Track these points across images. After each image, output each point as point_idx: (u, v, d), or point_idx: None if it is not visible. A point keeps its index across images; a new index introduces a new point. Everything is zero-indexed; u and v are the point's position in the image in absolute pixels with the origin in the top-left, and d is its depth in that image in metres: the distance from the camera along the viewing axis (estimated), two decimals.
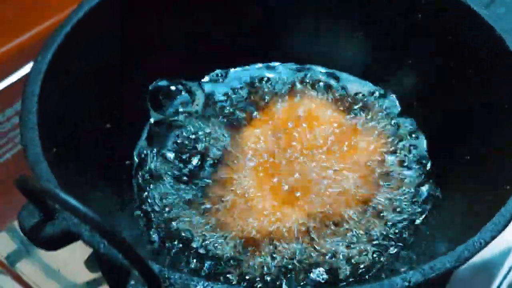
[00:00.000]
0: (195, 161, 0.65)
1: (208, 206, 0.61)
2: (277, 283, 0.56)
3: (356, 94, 0.72)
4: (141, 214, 0.61)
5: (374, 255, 0.57)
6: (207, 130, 0.68)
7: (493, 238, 0.44)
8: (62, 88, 0.55)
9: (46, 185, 0.36)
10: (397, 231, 0.59)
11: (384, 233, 0.59)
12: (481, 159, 0.57)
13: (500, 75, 0.56)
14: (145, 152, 0.66)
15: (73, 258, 0.63)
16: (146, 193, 0.63)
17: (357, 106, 0.71)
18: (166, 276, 0.39)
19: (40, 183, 0.37)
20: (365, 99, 0.71)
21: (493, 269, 0.67)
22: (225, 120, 0.69)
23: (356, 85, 0.73)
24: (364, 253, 0.58)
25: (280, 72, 0.75)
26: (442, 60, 0.65)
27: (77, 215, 0.35)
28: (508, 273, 0.67)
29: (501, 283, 0.67)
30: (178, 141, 0.67)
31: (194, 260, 0.57)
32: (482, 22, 0.58)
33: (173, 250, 0.58)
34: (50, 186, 0.36)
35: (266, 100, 0.71)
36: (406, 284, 0.40)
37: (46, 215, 0.42)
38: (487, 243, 0.44)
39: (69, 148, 0.53)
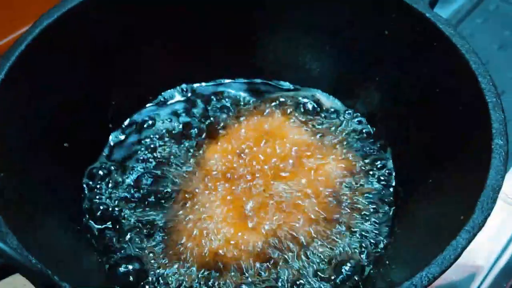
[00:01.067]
0: (152, 185, 0.64)
1: (163, 233, 0.60)
2: None
3: (322, 110, 0.71)
4: (93, 242, 0.60)
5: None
6: (167, 151, 0.67)
7: (442, 272, 0.43)
8: (12, 110, 0.54)
9: None
10: (351, 260, 0.58)
11: (340, 261, 0.58)
12: (444, 182, 0.56)
13: (465, 100, 0.56)
14: (100, 174, 0.65)
15: None
16: (101, 219, 0.62)
17: (323, 122, 0.70)
18: None
19: None
20: (332, 115, 0.71)
21: None
22: (186, 138, 0.68)
23: (323, 101, 0.73)
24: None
25: (244, 88, 0.74)
26: (409, 78, 0.63)
27: (3, 258, 0.34)
28: None
29: None
30: (137, 163, 0.66)
31: None
32: (447, 41, 0.57)
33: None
34: None
35: (229, 118, 0.70)
36: None
37: None
38: (435, 278, 0.43)
39: (21, 171, 0.52)
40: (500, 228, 0.70)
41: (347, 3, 0.65)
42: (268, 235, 0.59)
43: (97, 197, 0.63)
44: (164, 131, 0.69)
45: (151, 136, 0.69)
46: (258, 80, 0.75)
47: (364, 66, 0.68)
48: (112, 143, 0.68)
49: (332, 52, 0.70)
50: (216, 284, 0.57)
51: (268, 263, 0.58)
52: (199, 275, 0.57)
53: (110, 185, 0.64)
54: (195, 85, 0.74)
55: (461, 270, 0.67)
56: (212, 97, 0.73)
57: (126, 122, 0.70)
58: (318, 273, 0.58)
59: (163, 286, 0.57)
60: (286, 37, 0.71)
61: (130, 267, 0.57)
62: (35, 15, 0.58)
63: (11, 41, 0.83)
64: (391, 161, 0.66)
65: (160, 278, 0.57)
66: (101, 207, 0.62)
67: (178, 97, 0.73)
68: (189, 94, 0.73)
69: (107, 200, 0.63)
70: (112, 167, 0.66)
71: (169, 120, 0.70)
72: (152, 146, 0.67)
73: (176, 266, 0.58)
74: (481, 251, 0.68)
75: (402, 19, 0.61)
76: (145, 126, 0.70)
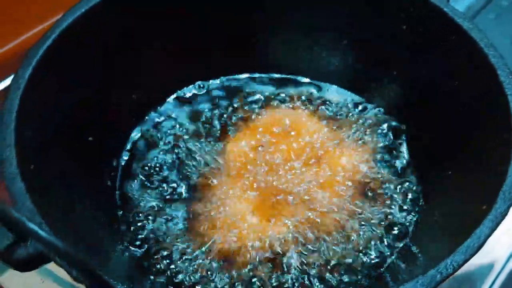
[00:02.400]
0: (177, 179, 0.65)
1: (191, 225, 0.61)
2: None
3: (340, 105, 0.72)
4: (125, 231, 0.61)
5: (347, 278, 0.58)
6: (189, 145, 0.67)
7: (465, 261, 0.44)
8: (43, 104, 0.55)
9: (10, 212, 0.36)
10: (374, 250, 0.59)
11: (363, 252, 0.59)
12: (462, 175, 0.57)
13: (483, 91, 0.56)
14: (125, 170, 0.66)
15: (57, 269, 0.63)
16: (128, 211, 0.63)
17: (341, 117, 0.70)
18: None
19: (9, 210, 0.37)
20: (349, 110, 0.71)
21: (477, 282, 0.67)
22: (207, 134, 0.69)
23: (340, 96, 0.74)
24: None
25: (263, 83, 0.75)
26: (426, 72, 0.64)
27: (44, 245, 0.35)
28: (491, 286, 0.67)
29: None
30: (159, 159, 0.67)
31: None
32: (465, 35, 0.58)
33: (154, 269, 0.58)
34: (15, 214, 0.36)
35: (249, 112, 0.71)
36: None
37: (18, 237, 0.42)
38: (460, 266, 0.44)
39: (48, 165, 0.53)
40: None
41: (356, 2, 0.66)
42: (290, 228, 0.60)
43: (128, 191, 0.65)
44: (181, 129, 0.70)
45: (168, 132, 0.70)
46: (276, 75, 0.76)
47: (381, 61, 0.68)
48: (133, 139, 0.69)
49: (338, 53, 0.71)
50: (234, 274, 0.57)
51: (285, 257, 0.59)
52: (219, 267, 0.58)
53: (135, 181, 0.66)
54: (212, 81, 0.75)
55: (479, 261, 0.67)
56: (230, 92, 0.74)
57: (144, 119, 0.71)
58: (341, 263, 0.58)
59: (191, 275, 0.58)
60: (286, 39, 0.72)
61: (156, 257, 0.58)
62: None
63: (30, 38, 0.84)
64: (408, 153, 0.67)
65: (186, 268, 0.58)
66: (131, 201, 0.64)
67: (197, 92, 0.74)
68: (206, 90, 0.74)
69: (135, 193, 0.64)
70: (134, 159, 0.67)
71: (187, 118, 0.72)
72: (170, 143, 0.69)
73: (200, 258, 0.59)
74: (499, 242, 0.68)
75: (420, 13, 0.62)
76: (161, 124, 0.71)
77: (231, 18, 0.68)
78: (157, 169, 0.66)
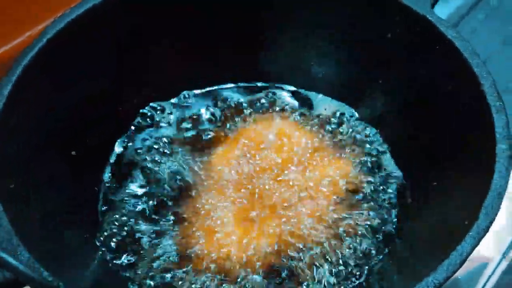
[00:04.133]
0: (162, 190, 0.65)
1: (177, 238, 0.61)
2: None
3: (325, 113, 0.72)
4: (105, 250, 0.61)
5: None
6: (173, 157, 0.67)
7: (447, 278, 0.44)
8: (25, 117, 0.54)
9: None
10: (357, 259, 0.59)
11: (348, 262, 0.59)
12: (447, 185, 0.57)
13: (466, 102, 0.56)
14: (108, 185, 0.66)
15: None
16: (108, 227, 0.62)
17: (327, 126, 0.70)
18: None
19: None
20: (335, 119, 0.71)
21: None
22: (190, 145, 0.68)
23: (326, 105, 0.73)
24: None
25: (248, 92, 0.74)
26: (411, 80, 0.64)
27: (19, 276, 0.35)
28: None
29: None
30: (145, 170, 0.67)
31: None
32: (449, 44, 0.57)
33: None
34: None
35: (233, 122, 0.70)
36: None
37: None
38: (441, 284, 0.43)
39: (28, 182, 0.52)
40: (508, 220, 0.71)
41: (349, 5, 0.65)
42: (277, 237, 0.60)
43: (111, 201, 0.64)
44: (169, 132, 0.70)
45: (158, 137, 0.69)
46: (265, 84, 0.75)
47: (367, 68, 0.68)
48: (119, 147, 0.69)
49: (338, 53, 0.70)
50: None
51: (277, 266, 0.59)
52: (208, 279, 0.58)
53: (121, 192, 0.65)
54: (196, 91, 0.74)
55: (470, 264, 0.67)
56: (219, 99, 0.73)
57: (135, 122, 0.71)
58: (322, 275, 0.58)
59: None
60: (294, 37, 0.71)
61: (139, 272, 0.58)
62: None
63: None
64: (394, 163, 0.67)
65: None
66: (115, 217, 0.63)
67: (182, 100, 0.74)
68: (193, 98, 0.74)
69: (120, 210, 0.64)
70: (118, 173, 0.67)
71: (176, 120, 0.71)
72: (158, 148, 0.68)
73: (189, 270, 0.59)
74: (490, 243, 0.68)
75: (404, 22, 0.61)
76: (150, 127, 0.71)
77: (239, 16, 0.68)
78: (140, 178, 0.66)
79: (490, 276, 0.68)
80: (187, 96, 0.74)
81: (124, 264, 0.59)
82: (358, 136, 0.69)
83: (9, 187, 0.49)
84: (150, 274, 0.58)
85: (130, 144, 0.69)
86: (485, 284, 0.68)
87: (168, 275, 0.58)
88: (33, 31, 0.82)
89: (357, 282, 0.57)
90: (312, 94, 0.74)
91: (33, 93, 0.56)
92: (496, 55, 0.91)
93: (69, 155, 0.61)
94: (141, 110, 0.71)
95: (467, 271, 0.68)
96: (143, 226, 0.62)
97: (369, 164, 0.66)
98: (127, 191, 0.65)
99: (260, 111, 0.72)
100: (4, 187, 0.48)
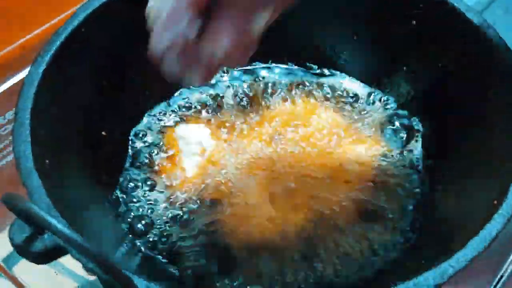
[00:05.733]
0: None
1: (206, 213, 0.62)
2: None
3: (353, 95, 0.73)
4: (134, 224, 0.61)
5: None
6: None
7: (477, 256, 0.44)
8: (56, 100, 0.55)
9: (30, 206, 0.37)
10: (382, 243, 0.60)
11: (374, 245, 0.60)
12: (473, 168, 0.57)
13: (496, 83, 0.56)
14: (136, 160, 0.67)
15: (70, 261, 0.63)
16: (136, 201, 0.63)
17: (354, 108, 0.71)
18: None
19: (25, 204, 0.38)
20: (362, 101, 0.72)
21: (484, 275, 0.67)
22: (218, 123, 0.70)
23: (353, 87, 0.74)
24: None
25: (276, 72, 0.76)
26: (439, 65, 0.65)
27: (61, 238, 0.36)
28: (499, 279, 0.67)
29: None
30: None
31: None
32: (474, 29, 0.58)
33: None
34: (34, 208, 0.36)
35: (261, 102, 0.72)
36: None
37: (36, 230, 0.43)
38: (472, 260, 0.44)
39: (63, 160, 0.53)
40: None
41: None
42: (301, 218, 0.60)
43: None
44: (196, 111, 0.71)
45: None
46: (289, 65, 0.76)
47: (394, 53, 0.69)
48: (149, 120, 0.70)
49: (361, 38, 0.71)
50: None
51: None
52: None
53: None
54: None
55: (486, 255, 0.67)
56: (243, 81, 0.75)
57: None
58: (347, 258, 0.59)
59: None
60: (315, 19, 0.72)
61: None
62: None
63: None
64: (420, 145, 0.67)
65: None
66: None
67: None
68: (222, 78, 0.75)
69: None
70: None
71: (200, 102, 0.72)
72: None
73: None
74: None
75: (428, 8, 0.63)
76: (178, 108, 0.72)
77: None
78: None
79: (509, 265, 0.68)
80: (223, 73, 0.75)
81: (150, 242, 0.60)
82: (386, 119, 0.70)
83: (45, 164, 0.50)
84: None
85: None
86: (504, 273, 0.68)
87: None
88: (39, 30, 0.84)
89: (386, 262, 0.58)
90: (336, 75, 0.75)
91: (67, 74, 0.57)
92: None
93: (100, 135, 0.61)
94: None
95: (488, 260, 0.68)
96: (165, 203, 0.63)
97: (396, 145, 0.67)
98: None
99: (290, 91, 0.73)
100: (41, 166, 0.49)
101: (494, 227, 0.45)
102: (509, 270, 0.66)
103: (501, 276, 0.66)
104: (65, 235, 0.35)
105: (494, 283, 0.66)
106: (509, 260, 0.67)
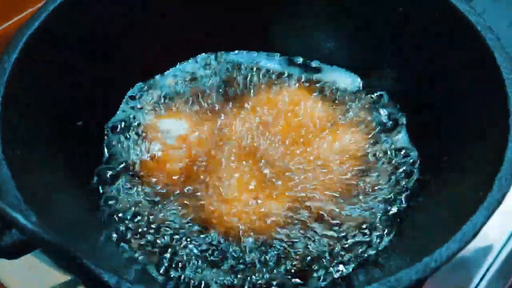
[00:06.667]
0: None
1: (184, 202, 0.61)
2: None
3: (339, 85, 0.71)
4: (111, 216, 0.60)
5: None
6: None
7: (460, 249, 0.43)
8: (29, 88, 0.53)
9: None
10: (366, 233, 0.59)
11: (355, 233, 0.59)
12: (459, 161, 0.56)
13: (479, 76, 0.55)
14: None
15: (44, 258, 0.62)
16: (113, 193, 0.62)
17: (340, 98, 0.70)
18: None
19: None
20: (348, 92, 0.70)
21: (473, 267, 0.67)
22: (203, 108, 0.68)
23: (339, 77, 0.72)
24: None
25: (263, 61, 0.74)
26: (422, 54, 0.63)
27: (28, 235, 0.34)
28: (487, 270, 0.67)
29: (480, 281, 0.66)
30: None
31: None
32: (461, 17, 0.57)
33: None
34: (1, 204, 0.35)
35: (244, 92, 0.70)
36: None
37: (3, 225, 0.41)
38: (454, 254, 0.43)
39: (35, 151, 0.52)
40: None
41: None
42: (285, 205, 0.59)
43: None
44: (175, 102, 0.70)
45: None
46: (276, 55, 0.75)
47: (381, 42, 0.68)
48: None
49: (351, 26, 0.70)
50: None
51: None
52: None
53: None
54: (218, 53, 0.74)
55: (474, 245, 0.66)
56: (230, 68, 0.73)
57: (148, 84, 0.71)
58: (332, 245, 0.58)
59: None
60: (307, 9, 0.71)
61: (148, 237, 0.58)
62: None
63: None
64: (407, 137, 0.66)
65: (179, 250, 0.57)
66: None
67: (196, 66, 0.74)
68: (210, 63, 0.74)
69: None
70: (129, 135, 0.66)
71: (186, 87, 0.71)
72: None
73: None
74: (495, 225, 0.68)
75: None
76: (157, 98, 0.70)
77: None
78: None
79: (496, 257, 0.68)
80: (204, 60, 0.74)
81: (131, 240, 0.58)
82: (371, 107, 0.69)
83: (16, 155, 0.48)
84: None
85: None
86: (491, 264, 0.68)
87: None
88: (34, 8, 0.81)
89: (371, 251, 0.57)
90: (324, 66, 0.73)
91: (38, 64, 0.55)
92: (504, 38, 0.90)
93: (74, 125, 0.60)
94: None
95: (474, 250, 0.68)
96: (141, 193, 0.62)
97: (384, 136, 0.66)
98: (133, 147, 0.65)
99: (273, 80, 0.72)
100: (12, 156, 0.47)
101: (478, 220, 0.44)
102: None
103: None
104: (30, 231, 0.34)
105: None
106: None
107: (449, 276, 0.66)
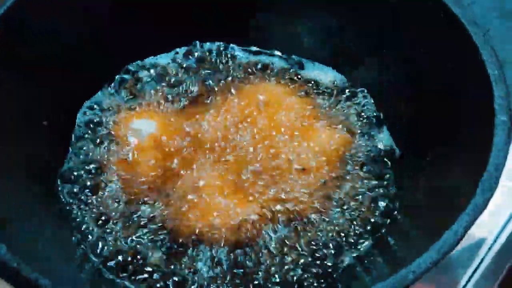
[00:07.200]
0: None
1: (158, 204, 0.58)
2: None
3: (320, 82, 0.69)
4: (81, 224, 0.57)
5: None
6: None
7: (442, 258, 0.41)
8: None
9: None
10: (345, 240, 0.56)
11: (336, 239, 0.56)
12: (444, 160, 0.54)
13: (464, 72, 0.53)
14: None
15: None
16: (82, 199, 0.59)
17: (322, 94, 0.67)
18: None
19: None
20: (331, 89, 0.68)
21: (459, 268, 0.65)
22: (175, 106, 0.66)
23: (320, 73, 0.70)
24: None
25: (241, 55, 0.72)
26: (407, 49, 0.61)
27: None
28: (474, 272, 0.65)
29: (467, 283, 0.65)
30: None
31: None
32: (447, 11, 0.54)
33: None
34: None
35: (223, 85, 0.67)
36: None
37: None
38: (434, 264, 0.41)
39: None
40: (502, 202, 0.69)
41: None
42: (261, 205, 0.57)
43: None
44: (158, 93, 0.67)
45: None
46: (254, 48, 0.72)
47: (363, 37, 0.66)
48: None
49: (332, 21, 0.68)
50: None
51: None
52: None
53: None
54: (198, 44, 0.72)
55: (463, 244, 0.65)
56: (208, 60, 0.71)
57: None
58: (312, 247, 0.56)
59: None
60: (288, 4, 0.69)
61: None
62: None
63: None
64: (389, 136, 0.64)
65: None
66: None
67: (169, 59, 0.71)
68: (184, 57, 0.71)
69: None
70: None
71: (158, 83, 0.68)
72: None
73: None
74: (484, 225, 0.66)
75: None
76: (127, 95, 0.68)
77: None
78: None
79: (484, 257, 0.66)
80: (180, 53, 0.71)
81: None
82: (352, 105, 0.67)
83: None
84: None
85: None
86: (479, 265, 0.66)
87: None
88: None
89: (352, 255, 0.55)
90: (305, 62, 0.71)
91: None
92: (494, 28, 0.89)
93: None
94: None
95: (462, 249, 0.66)
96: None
97: (364, 134, 0.64)
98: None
99: (252, 75, 0.69)
100: None
101: (459, 228, 0.42)
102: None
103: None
104: None
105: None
106: None
107: (436, 277, 0.64)
